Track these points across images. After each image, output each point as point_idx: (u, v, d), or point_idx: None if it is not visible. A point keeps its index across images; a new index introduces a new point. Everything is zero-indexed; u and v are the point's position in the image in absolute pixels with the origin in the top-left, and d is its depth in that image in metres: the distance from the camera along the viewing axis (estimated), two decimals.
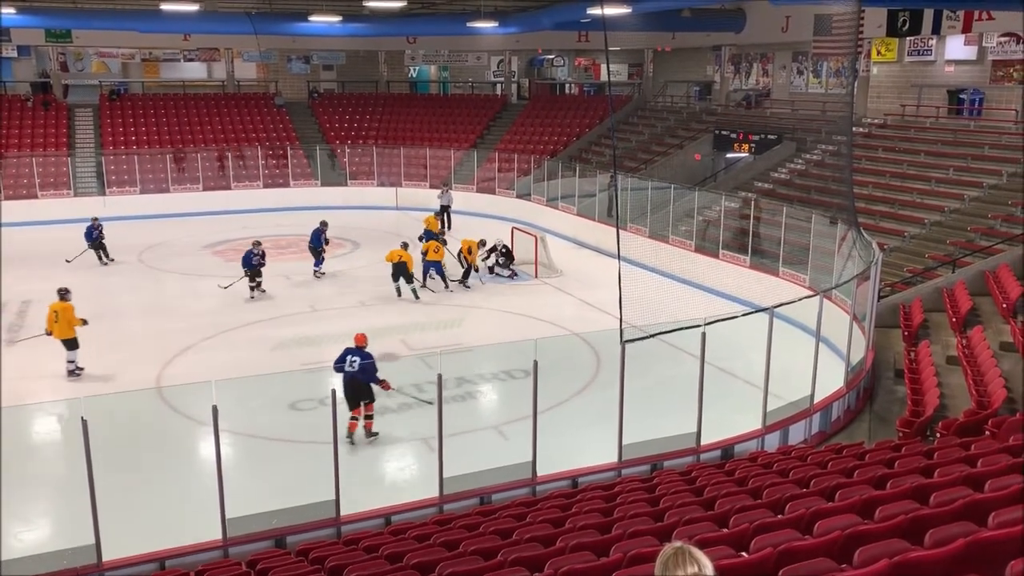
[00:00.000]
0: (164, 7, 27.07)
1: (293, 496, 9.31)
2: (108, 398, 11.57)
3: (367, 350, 11.77)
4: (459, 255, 20.34)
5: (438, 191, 27.59)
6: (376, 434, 11.79)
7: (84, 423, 7.86)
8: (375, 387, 11.62)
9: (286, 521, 8.98)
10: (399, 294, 19.25)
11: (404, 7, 29.08)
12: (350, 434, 11.55)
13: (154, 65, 40.83)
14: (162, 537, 8.65)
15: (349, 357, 11.54)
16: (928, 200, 20.71)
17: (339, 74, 39.48)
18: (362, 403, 11.59)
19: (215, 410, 8.35)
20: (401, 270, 19.10)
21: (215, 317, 17.41)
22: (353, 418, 11.55)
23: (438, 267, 19.75)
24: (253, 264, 18.85)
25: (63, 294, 14.45)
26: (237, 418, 11.79)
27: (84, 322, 14.19)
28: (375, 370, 11.47)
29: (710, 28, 32.16)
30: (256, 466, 11.25)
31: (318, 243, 20.86)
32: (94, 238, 22.04)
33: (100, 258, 22.23)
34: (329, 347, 15.74)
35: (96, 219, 22.54)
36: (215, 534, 8.68)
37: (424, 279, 19.75)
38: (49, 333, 14.00)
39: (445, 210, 25.80)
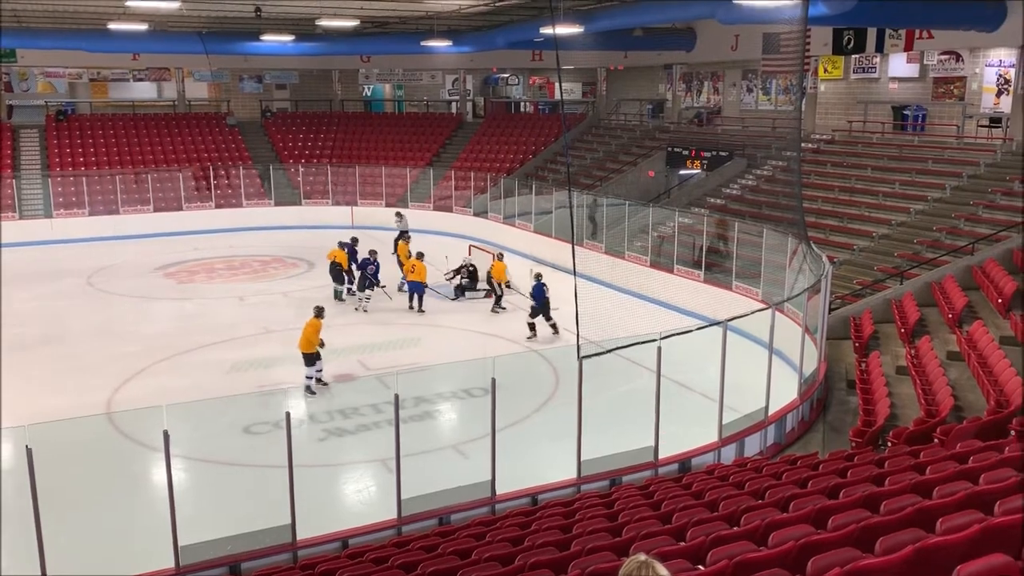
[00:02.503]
0: (112, 27, 26.68)
1: (248, 522, 9.15)
2: (55, 425, 11.26)
3: None
4: (489, 279, 20.19)
5: (394, 219, 27.05)
6: None
7: (29, 452, 7.65)
8: None
9: (241, 547, 8.81)
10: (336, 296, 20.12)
11: (357, 26, 29.04)
12: None
13: (102, 85, 40.13)
14: (112, 567, 8.43)
15: None
16: (876, 214, 21.19)
17: (292, 93, 39.22)
18: None
19: (166, 435, 8.19)
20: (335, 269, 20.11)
21: (167, 340, 17.10)
22: None
23: (419, 287, 19.59)
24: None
25: (318, 312, 14.80)
26: (190, 443, 11.58)
27: (322, 344, 14.52)
28: None
29: (661, 47, 32.64)
30: (209, 491, 11.03)
31: (356, 262, 20.29)
32: None
33: None
34: (284, 368, 15.60)
35: None
36: (167, 563, 8.48)
37: (411, 301, 19.65)
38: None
39: (403, 235, 25.06)
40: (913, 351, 13.65)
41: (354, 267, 20.16)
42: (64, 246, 26.58)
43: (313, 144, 35.34)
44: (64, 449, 11.23)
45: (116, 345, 16.89)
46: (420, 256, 19.88)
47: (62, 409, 12.88)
